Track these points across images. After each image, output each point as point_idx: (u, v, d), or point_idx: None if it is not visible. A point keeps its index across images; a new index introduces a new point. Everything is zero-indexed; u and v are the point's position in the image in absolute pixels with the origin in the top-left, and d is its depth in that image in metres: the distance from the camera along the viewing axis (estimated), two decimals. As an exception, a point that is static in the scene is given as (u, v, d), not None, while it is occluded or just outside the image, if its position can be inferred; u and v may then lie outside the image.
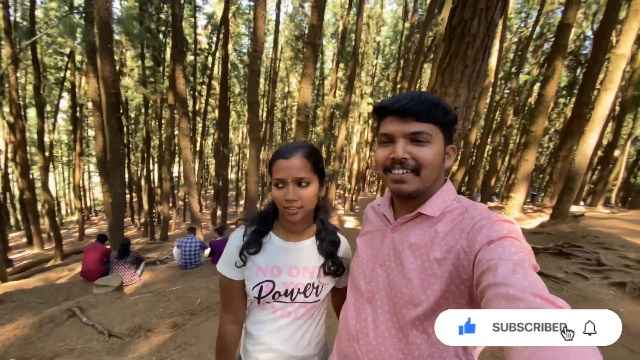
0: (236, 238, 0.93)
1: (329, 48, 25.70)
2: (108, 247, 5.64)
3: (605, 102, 5.63)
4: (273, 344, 0.92)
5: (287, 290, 0.89)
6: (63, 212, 29.15)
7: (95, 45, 6.49)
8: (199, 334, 2.84)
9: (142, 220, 19.26)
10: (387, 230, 0.81)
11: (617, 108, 14.68)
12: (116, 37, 13.05)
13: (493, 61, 11.14)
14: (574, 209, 8.31)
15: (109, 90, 6.28)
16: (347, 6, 14.67)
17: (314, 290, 0.91)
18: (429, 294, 0.66)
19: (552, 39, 18.75)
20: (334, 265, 0.92)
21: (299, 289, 0.90)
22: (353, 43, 16.75)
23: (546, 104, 7.54)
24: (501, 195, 23.58)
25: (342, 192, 28.06)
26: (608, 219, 6.57)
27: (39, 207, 13.28)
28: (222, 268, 0.93)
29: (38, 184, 13.71)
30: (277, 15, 15.89)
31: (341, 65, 18.07)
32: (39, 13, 13.57)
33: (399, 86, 17.98)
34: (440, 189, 0.75)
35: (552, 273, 3.56)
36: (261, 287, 0.89)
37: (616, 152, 16.29)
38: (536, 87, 18.53)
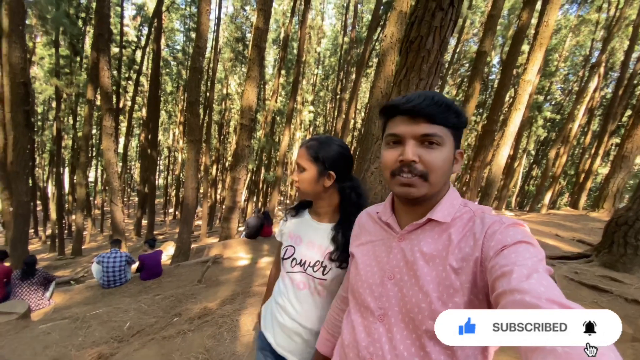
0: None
1: (270, 53, 25.57)
2: (8, 265, 4.65)
3: (515, 120, 6.67)
4: (289, 310, 1.06)
5: (301, 260, 1.06)
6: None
7: (2, 28, 5.45)
8: (133, 365, 2.41)
9: (49, 232, 16.45)
10: (392, 239, 0.75)
11: (516, 127, 17.61)
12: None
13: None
14: (489, 212, 9.53)
15: (17, 79, 5.36)
16: (289, 14, 14.81)
17: (322, 268, 1.02)
18: (450, 307, 0.61)
19: (467, 64, 21.84)
20: (339, 258, 1.00)
21: (309, 262, 1.04)
22: (295, 51, 16.92)
23: (468, 119, 8.59)
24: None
25: (282, 198, 27.89)
26: (516, 220, 7.70)
27: None
28: (277, 233, 1.22)
29: None
30: (218, 15, 15.27)
31: (283, 71, 18.08)
32: None
33: (338, 96, 18.71)
34: (447, 193, 0.71)
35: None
36: (286, 249, 1.11)
37: (515, 164, 19.37)
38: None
